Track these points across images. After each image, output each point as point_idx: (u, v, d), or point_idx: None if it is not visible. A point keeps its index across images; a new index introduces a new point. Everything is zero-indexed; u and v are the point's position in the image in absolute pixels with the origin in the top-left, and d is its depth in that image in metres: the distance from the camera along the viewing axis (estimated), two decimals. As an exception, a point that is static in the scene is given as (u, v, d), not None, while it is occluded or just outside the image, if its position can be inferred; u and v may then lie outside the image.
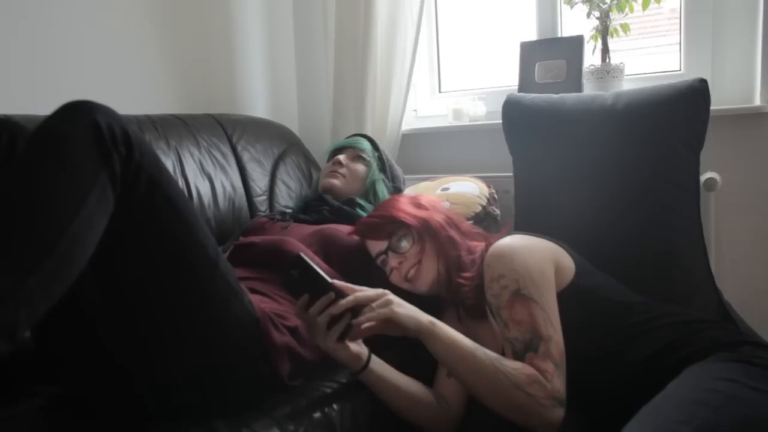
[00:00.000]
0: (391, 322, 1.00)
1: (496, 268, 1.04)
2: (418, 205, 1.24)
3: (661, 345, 1.00)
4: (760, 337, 1.12)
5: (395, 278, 1.21)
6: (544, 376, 0.94)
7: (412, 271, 1.18)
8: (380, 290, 1.03)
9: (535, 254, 1.06)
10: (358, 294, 1.00)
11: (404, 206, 1.22)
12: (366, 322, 0.99)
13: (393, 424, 1.10)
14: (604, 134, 1.42)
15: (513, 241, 1.09)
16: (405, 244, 1.19)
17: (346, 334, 1.00)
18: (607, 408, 0.98)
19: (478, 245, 1.19)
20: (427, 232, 1.18)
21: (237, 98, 2.06)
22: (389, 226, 1.20)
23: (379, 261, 1.23)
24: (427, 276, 1.18)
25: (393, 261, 1.20)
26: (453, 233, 1.19)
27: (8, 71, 1.45)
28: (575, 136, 1.46)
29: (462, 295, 1.15)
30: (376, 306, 1.00)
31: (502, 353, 1.05)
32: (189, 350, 0.93)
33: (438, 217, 1.21)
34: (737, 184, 1.62)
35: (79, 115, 0.79)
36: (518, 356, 0.97)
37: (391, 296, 1.03)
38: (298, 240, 1.30)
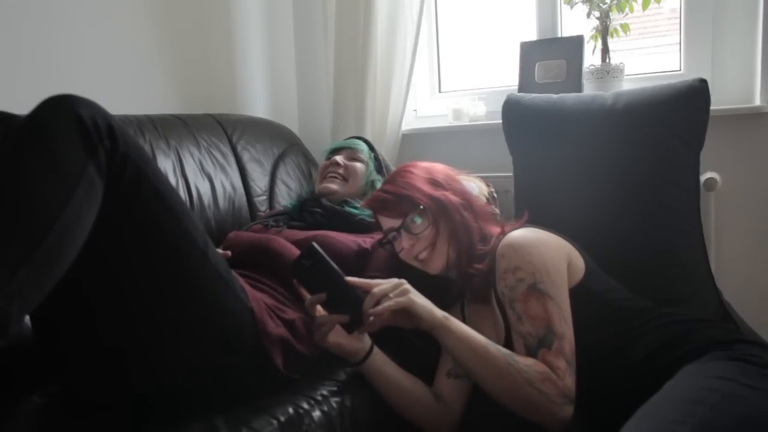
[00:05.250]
0: (406, 311, 0.99)
1: (512, 260, 1.04)
2: (435, 184, 1.18)
3: (658, 345, 1.01)
4: (759, 337, 1.12)
5: (404, 256, 1.18)
6: (556, 373, 0.94)
7: (424, 254, 1.15)
8: (395, 280, 1.02)
9: (551, 250, 1.06)
10: (375, 290, 0.99)
11: (420, 183, 1.17)
12: (384, 311, 0.97)
13: (393, 424, 1.10)
14: (604, 134, 1.42)
15: (529, 234, 1.08)
16: (419, 225, 1.14)
17: (357, 326, 1.00)
18: (606, 407, 0.98)
19: (492, 230, 1.16)
20: (441, 215, 1.14)
21: (237, 98, 2.06)
22: (404, 204, 1.15)
23: (389, 236, 1.19)
24: (438, 260, 1.15)
25: (405, 241, 1.16)
26: (468, 217, 1.15)
27: (10, 71, 1.45)
28: (575, 136, 1.46)
29: (472, 284, 1.15)
30: (394, 295, 0.99)
31: (504, 343, 1.05)
32: (184, 341, 0.93)
33: (454, 199, 1.16)
34: (737, 184, 1.62)
35: (62, 109, 0.79)
36: (531, 351, 0.97)
37: (408, 285, 1.02)
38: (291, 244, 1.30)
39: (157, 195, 0.88)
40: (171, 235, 0.90)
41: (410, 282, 1.03)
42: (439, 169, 1.23)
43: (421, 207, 1.14)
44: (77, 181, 0.76)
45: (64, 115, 0.78)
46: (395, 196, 1.17)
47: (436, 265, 1.16)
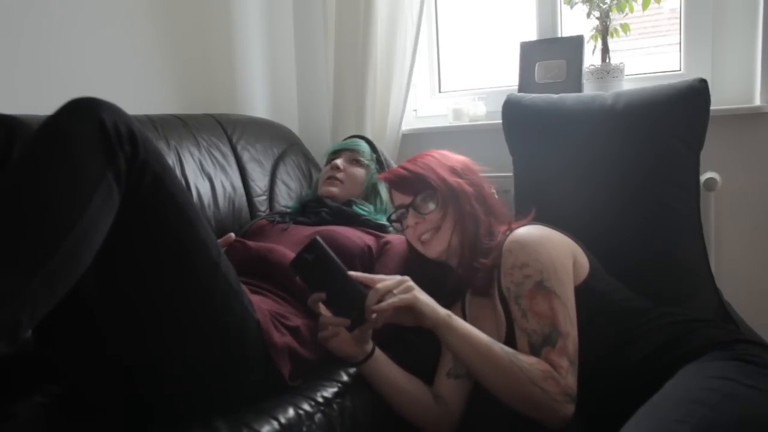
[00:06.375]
0: (409, 309, 0.99)
1: (519, 256, 1.04)
2: (453, 171, 1.20)
3: (658, 345, 1.01)
4: (759, 337, 1.12)
5: (409, 235, 1.21)
6: (558, 372, 0.94)
7: (427, 235, 1.18)
8: (399, 277, 1.02)
9: (558, 248, 1.07)
10: (379, 286, 0.99)
11: (439, 168, 1.19)
12: (387, 308, 0.98)
13: (393, 425, 1.10)
14: (603, 134, 1.42)
15: (536, 232, 1.09)
16: (429, 207, 1.17)
17: (359, 324, 1.00)
18: (606, 407, 0.98)
19: (500, 228, 1.17)
20: (452, 202, 1.16)
21: (237, 98, 2.06)
22: (418, 183, 1.18)
23: (398, 212, 1.22)
24: (439, 244, 1.17)
25: (411, 219, 1.19)
26: (478, 209, 1.17)
27: (10, 71, 1.45)
28: (575, 136, 1.46)
29: (475, 279, 1.15)
30: (398, 291, 0.99)
31: (505, 338, 1.05)
32: (190, 349, 0.93)
33: (467, 189, 1.18)
34: (737, 184, 1.62)
35: (85, 113, 0.78)
36: (535, 348, 0.98)
37: (412, 282, 1.02)
38: (297, 242, 1.29)
39: (174, 203, 0.88)
40: (185, 243, 0.90)
41: (413, 280, 1.03)
42: (460, 159, 1.26)
43: (434, 189, 1.16)
44: (95, 188, 0.76)
45: (86, 119, 0.78)
46: (412, 174, 1.19)
47: (436, 249, 1.18)
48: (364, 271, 1.24)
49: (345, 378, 1.11)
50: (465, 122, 1.97)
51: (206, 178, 1.61)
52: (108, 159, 0.78)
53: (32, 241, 0.71)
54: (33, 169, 0.75)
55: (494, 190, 1.68)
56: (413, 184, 1.19)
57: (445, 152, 1.26)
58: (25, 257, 0.70)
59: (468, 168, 1.23)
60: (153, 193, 0.84)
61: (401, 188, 1.21)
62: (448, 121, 2.01)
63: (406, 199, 1.20)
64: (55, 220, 0.73)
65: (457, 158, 1.25)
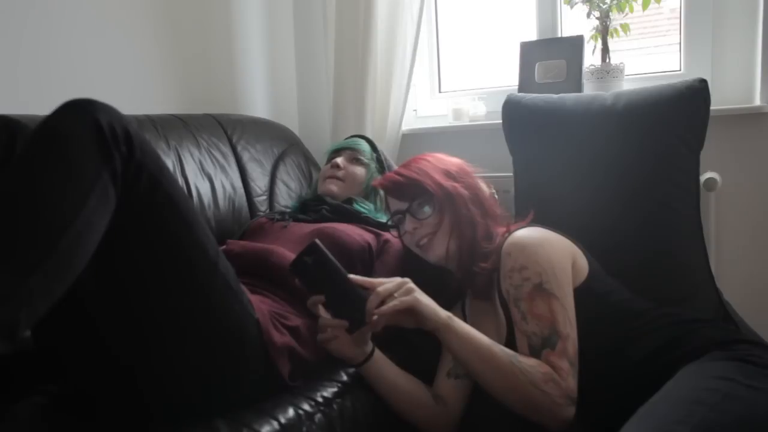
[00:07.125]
0: (410, 311, 0.99)
1: (518, 259, 1.04)
2: (448, 175, 1.20)
3: (658, 345, 1.01)
4: (759, 337, 1.12)
5: (407, 240, 1.21)
6: (559, 374, 0.94)
7: (425, 240, 1.17)
8: (399, 279, 1.02)
9: (557, 250, 1.06)
10: (379, 289, 0.99)
11: (433, 172, 1.19)
12: (389, 311, 0.98)
13: (393, 424, 1.10)
14: (603, 134, 1.42)
15: (535, 234, 1.09)
16: (425, 211, 1.17)
17: (359, 326, 0.99)
18: (606, 407, 0.98)
19: (499, 230, 1.17)
20: (448, 205, 1.16)
21: (237, 98, 2.06)
22: (413, 188, 1.18)
23: (395, 219, 1.22)
24: (438, 249, 1.17)
25: (409, 225, 1.18)
26: (474, 212, 1.16)
27: (10, 71, 1.45)
28: (575, 136, 1.46)
29: (475, 282, 1.15)
30: (399, 294, 0.99)
31: (506, 341, 1.05)
32: (189, 349, 0.93)
33: (463, 192, 1.17)
34: (737, 184, 1.62)
35: (80, 114, 0.79)
36: (535, 351, 0.98)
37: (412, 284, 1.02)
38: (296, 239, 1.29)
39: (171, 204, 0.88)
40: (183, 245, 0.90)
41: (413, 281, 1.03)
42: (455, 162, 1.25)
43: (430, 194, 1.16)
44: (91, 188, 0.76)
45: (82, 120, 0.78)
46: (407, 180, 1.19)
47: (435, 253, 1.17)
48: (363, 267, 1.25)
49: (345, 378, 1.11)
50: (465, 122, 1.97)
51: (206, 178, 1.61)
52: (104, 159, 0.78)
53: (28, 241, 0.71)
54: (29, 170, 0.75)
55: (494, 191, 1.68)
56: (409, 190, 1.18)
57: (440, 155, 1.25)
58: (21, 257, 0.70)
59: (463, 171, 1.23)
60: (150, 193, 0.85)
61: (397, 194, 1.21)
62: (448, 121, 2.01)
63: (403, 205, 1.20)
64: (51, 220, 0.73)
65: (452, 161, 1.25)
